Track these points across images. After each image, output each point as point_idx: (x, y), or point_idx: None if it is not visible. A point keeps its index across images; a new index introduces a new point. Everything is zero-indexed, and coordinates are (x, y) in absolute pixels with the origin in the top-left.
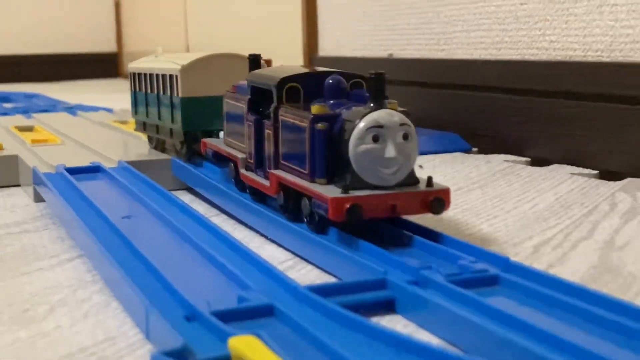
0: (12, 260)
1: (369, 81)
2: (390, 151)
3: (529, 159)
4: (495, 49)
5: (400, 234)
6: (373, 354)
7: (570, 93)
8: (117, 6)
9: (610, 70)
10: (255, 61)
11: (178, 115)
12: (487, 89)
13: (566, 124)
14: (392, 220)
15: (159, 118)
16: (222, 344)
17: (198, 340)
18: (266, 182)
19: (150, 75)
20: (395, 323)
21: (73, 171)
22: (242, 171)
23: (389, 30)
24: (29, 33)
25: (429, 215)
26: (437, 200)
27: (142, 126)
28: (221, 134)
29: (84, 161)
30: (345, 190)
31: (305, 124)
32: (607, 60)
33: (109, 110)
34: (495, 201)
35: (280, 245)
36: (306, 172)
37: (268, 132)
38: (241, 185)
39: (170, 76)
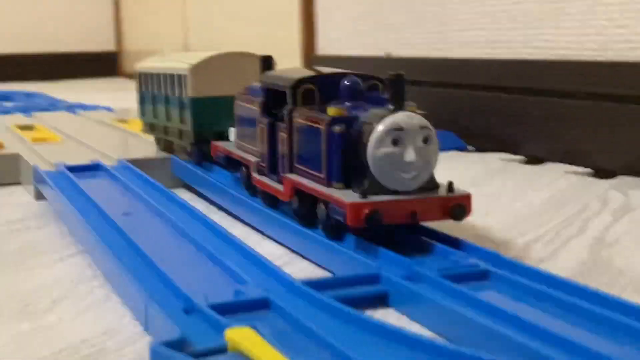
0: (14, 256)
1: (388, 82)
2: (410, 155)
3: (524, 158)
4: (490, 48)
5: (393, 230)
6: (365, 345)
7: (564, 92)
8: (117, 5)
9: (604, 69)
10: (267, 62)
11: (188, 116)
12: (482, 88)
13: (561, 122)
14: None
15: (168, 119)
16: (219, 335)
17: (196, 332)
18: (279, 187)
19: (158, 75)
20: (388, 316)
21: (73, 169)
22: (255, 175)
23: (386, 30)
24: (29, 32)
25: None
26: (458, 206)
27: (150, 128)
28: (231, 136)
29: (84, 159)
30: (364, 195)
31: (321, 126)
32: (601, 59)
33: (109, 109)
34: (489, 199)
35: (277, 242)
36: (322, 176)
37: (282, 135)
38: (253, 189)
39: (179, 76)
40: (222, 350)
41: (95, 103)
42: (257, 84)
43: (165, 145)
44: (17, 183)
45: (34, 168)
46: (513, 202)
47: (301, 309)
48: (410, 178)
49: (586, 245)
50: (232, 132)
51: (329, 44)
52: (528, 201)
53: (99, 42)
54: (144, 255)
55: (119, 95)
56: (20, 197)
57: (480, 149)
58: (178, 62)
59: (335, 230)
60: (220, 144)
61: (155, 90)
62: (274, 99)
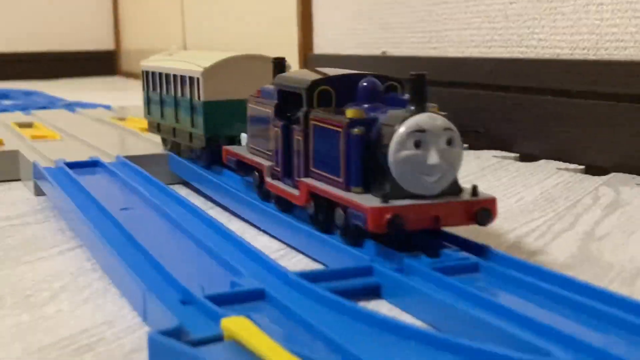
0: (15, 250)
1: (409, 82)
2: (433, 157)
3: (517, 155)
4: (485, 47)
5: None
6: (357, 335)
7: (557, 90)
8: (115, 4)
9: (596, 68)
10: (279, 64)
11: (199, 120)
12: (477, 87)
13: (554, 120)
14: None
15: (177, 121)
16: (215, 324)
17: (193, 321)
18: (295, 191)
19: (167, 75)
20: (380, 307)
21: (72, 166)
22: (268, 180)
23: (382, 29)
24: (28, 31)
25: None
26: (483, 210)
27: (156, 127)
28: (243, 141)
29: (83, 156)
30: (385, 199)
31: (340, 128)
32: (593, 58)
33: (107, 107)
34: None
35: (273, 237)
36: (340, 180)
37: (297, 138)
38: (266, 194)
39: (191, 78)
40: (219, 338)
41: (93, 101)
42: (270, 86)
43: (173, 146)
44: (17, 179)
45: (34, 164)
46: (506, 198)
47: (295, 300)
48: (433, 181)
49: (576, 240)
50: (244, 138)
51: (326, 43)
52: (521, 197)
53: (98, 41)
54: (142, 248)
55: (117, 94)
56: (20, 193)
57: (475, 146)
58: (188, 63)
59: (354, 236)
60: (232, 148)
61: (163, 90)
62: (289, 102)
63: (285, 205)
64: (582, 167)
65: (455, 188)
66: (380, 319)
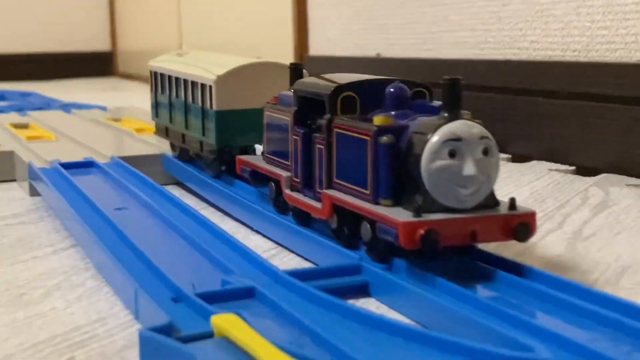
0: (9, 249)
1: (442, 87)
2: (469, 168)
3: (510, 156)
4: (478, 49)
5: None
6: (346, 331)
7: (549, 92)
8: (112, 5)
9: (587, 69)
10: (297, 70)
11: (211, 129)
12: (470, 88)
13: (545, 121)
14: None
15: (187, 127)
16: (205, 322)
17: (183, 319)
18: (317, 204)
19: (177, 79)
20: (368, 305)
21: (67, 166)
22: (287, 191)
23: (377, 30)
24: (23, 32)
25: None
26: (523, 225)
27: (164, 131)
28: (257, 150)
29: (77, 157)
30: (418, 213)
31: (367, 137)
32: (584, 60)
33: (103, 108)
34: None
35: (265, 236)
36: (367, 192)
37: (319, 147)
38: (283, 206)
39: (203, 85)
40: (209, 335)
41: (89, 102)
42: (288, 93)
43: (182, 152)
44: (12, 180)
45: (29, 165)
46: None
47: (285, 298)
48: (468, 194)
49: (564, 239)
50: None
51: (321, 44)
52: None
53: (94, 42)
54: (135, 247)
55: (112, 95)
56: (15, 193)
57: None
58: (201, 68)
59: (382, 252)
60: (246, 157)
61: (172, 93)
62: (309, 108)
63: (303, 218)
64: (573, 167)
65: (491, 201)
66: (368, 316)
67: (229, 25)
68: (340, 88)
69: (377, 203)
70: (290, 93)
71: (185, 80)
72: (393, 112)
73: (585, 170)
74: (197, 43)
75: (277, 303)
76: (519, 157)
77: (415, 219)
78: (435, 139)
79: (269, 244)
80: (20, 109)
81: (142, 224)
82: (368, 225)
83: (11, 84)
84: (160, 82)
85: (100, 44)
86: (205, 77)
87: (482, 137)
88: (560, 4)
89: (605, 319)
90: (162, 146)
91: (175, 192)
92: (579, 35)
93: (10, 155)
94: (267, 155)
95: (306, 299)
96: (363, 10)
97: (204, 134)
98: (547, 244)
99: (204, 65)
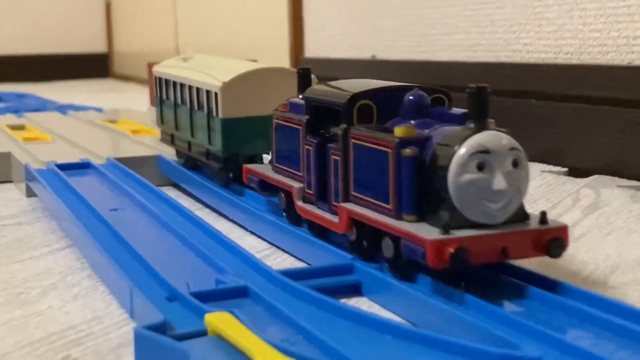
0: (6, 249)
1: (469, 95)
2: (499, 182)
3: None
4: (472, 52)
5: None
6: (338, 329)
7: (542, 94)
8: (108, 7)
9: (579, 72)
10: (305, 77)
11: (217, 137)
12: (464, 90)
13: (538, 123)
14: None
15: (192, 135)
16: (199, 320)
17: (178, 317)
18: (333, 218)
19: (182, 85)
20: (360, 304)
21: (64, 167)
22: (299, 203)
23: (373, 32)
24: (20, 34)
25: None
26: (555, 240)
27: (170, 138)
28: (264, 158)
29: (74, 158)
30: (446, 229)
31: (388, 149)
32: (577, 62)
33: (99, 110)
34: None
35: (259, 237)
36: (389, 207)
37: (335, 158)
38: (296, 218)
39: (208, 92)
40: (203, 333)
41: (85, 104)
42: (298, 100)
43: (188, 160)
44: (9, 181)
45: (26, 166)
46: None
47: (278, 297)
48: (498, 209)
49: None
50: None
51: (317, 46)
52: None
53: (90, 43)
54: (130, 247)
55: (108, 97)
56: (11, 194)
57: None
58: (206, 75)
59: (406, 270)
60: (254, 167)
61: (178, 100)
62: (321, 117)
63: (320, 230)
64: (565, 169)
65: (521, 215)
66: (360, 315)
67: (225, 27)
68: (357, 96)
69: (400, 218)
70: (301, 100)
71: (190, 87)
72: (413, 122)
73: (578, 171)
74: (193, 45)
75: (270, 302)
76: None
77: (444, 237)
78: (462, 151)
79: (263, 244)
80: (16, 111)
81: (138, 224)
82: (390, 241)
83: (7, 85)
84: (164, 88)
85: (97, 46)
86: (211, 84)
87: (512, 149)
88: (553, 7)
89: (591, 317)
90: (157, 148)
91: (171, 193)
92: (571, 37)
93: (7, 157)
94: (276, 164)
95: (299, 298)
96: (359, 13)
97: (210, 142)
98: None
99: (209, 71)
